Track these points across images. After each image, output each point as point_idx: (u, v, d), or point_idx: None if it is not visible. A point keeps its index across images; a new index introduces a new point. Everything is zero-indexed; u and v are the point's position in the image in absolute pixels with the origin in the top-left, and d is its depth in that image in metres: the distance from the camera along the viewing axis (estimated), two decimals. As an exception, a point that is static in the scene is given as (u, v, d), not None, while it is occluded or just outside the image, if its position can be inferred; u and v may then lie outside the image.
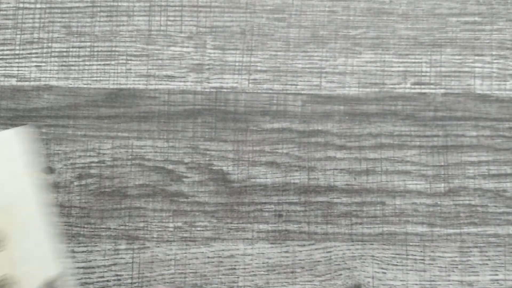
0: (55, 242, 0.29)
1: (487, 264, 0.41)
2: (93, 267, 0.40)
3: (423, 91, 0.42)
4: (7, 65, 0.42)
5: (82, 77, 0.42)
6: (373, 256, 0.41)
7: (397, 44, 0.43)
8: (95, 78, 0.42)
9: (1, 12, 0.43)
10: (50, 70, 0.42)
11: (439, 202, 0.41)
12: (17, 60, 0.42)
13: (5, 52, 0.42)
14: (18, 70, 0.42)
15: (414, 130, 0.42)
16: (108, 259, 0.41)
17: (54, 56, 0.42)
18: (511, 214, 0.41)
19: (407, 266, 0.41)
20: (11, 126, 0.42)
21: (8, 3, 0.43)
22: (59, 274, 0.29)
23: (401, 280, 0.40)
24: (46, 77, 0.42)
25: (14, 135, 0.28)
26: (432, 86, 0.42)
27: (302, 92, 0.42)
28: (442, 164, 0.42)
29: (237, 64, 0.42)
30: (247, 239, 0.41)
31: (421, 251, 0.41)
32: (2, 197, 0.26)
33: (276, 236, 0.41)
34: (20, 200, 0.27)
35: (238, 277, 0.40)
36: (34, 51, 0.42)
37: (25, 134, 0.28)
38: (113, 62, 0.42)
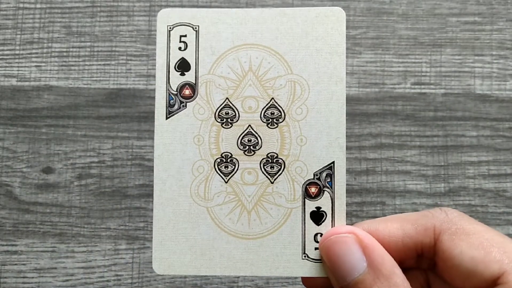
0: None
1: (487, 264, 0.41)
2: (93, 267, 0.40)
3: (423, 91, 0.42)
4: (7, 65, 0.42)
5: (82, 77, 0.42)
6: (373, 256, 0.41)
7: (397, 44, 0.43)
8: (95, 78, 0.42)
9: (1, 12, 0.43)
10: (50, 70, 0.42)
11: (439, 202, 0.41)
12: (17, 60, 0.42)
13: (5, 52, 0.42)
14: (18, 70, 0.42)
15: (414, 130, 0.42)
16: (108, 259, 0.41)
17: (54, 56, 0.42)
18: (511, 214, 0.41)
19: (407, 266, 0.41)
20: (11, 126, 0.42)
21: (8, 3, 0.43)
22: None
23: (401, 280, 0.40)
24: (46, 77, 0.42)
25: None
26: (432, 86, 0.42)
27: (302, 92, 0.42)
28: (442, 164, 0.42)
29: (237, 64, 0.42)
30: (247, 239, 0.41)
31: (421, 251, 0.41)
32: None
33: (276, 236, 0.41)
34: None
35: (238, 277, 0.40)
36: (34, 51, 0.42)
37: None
38: (113, 62, 0.42)
